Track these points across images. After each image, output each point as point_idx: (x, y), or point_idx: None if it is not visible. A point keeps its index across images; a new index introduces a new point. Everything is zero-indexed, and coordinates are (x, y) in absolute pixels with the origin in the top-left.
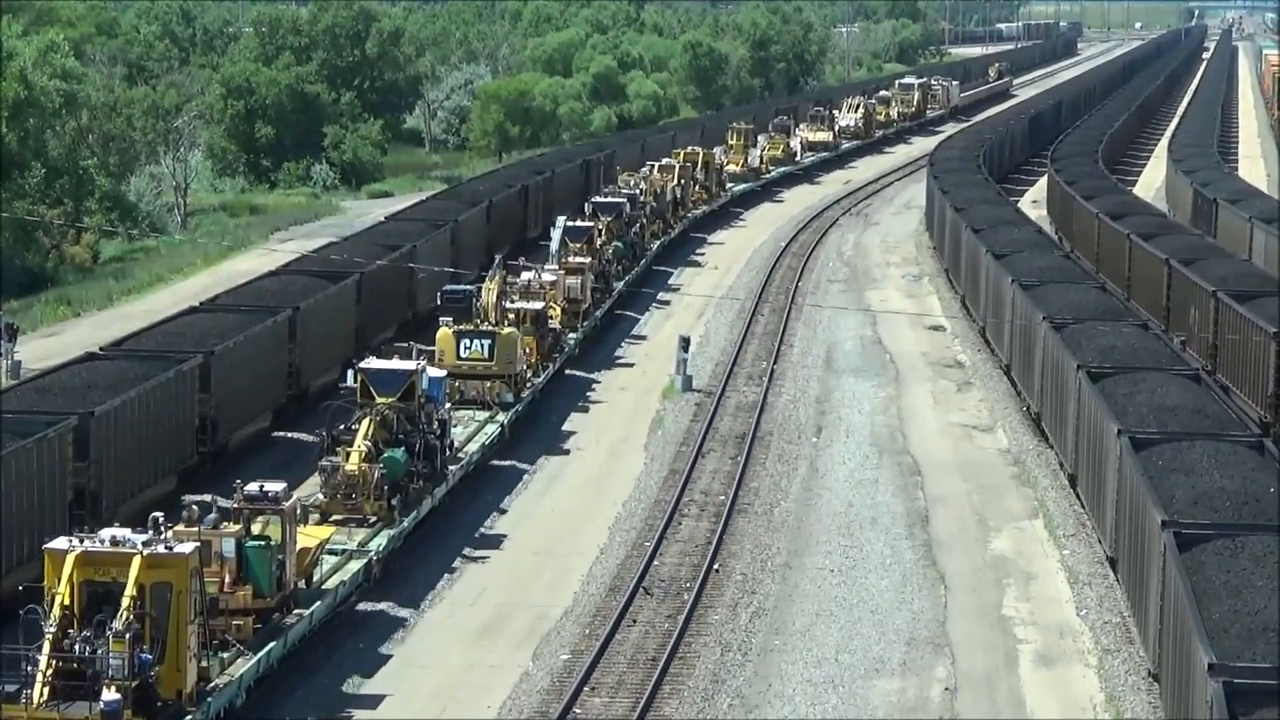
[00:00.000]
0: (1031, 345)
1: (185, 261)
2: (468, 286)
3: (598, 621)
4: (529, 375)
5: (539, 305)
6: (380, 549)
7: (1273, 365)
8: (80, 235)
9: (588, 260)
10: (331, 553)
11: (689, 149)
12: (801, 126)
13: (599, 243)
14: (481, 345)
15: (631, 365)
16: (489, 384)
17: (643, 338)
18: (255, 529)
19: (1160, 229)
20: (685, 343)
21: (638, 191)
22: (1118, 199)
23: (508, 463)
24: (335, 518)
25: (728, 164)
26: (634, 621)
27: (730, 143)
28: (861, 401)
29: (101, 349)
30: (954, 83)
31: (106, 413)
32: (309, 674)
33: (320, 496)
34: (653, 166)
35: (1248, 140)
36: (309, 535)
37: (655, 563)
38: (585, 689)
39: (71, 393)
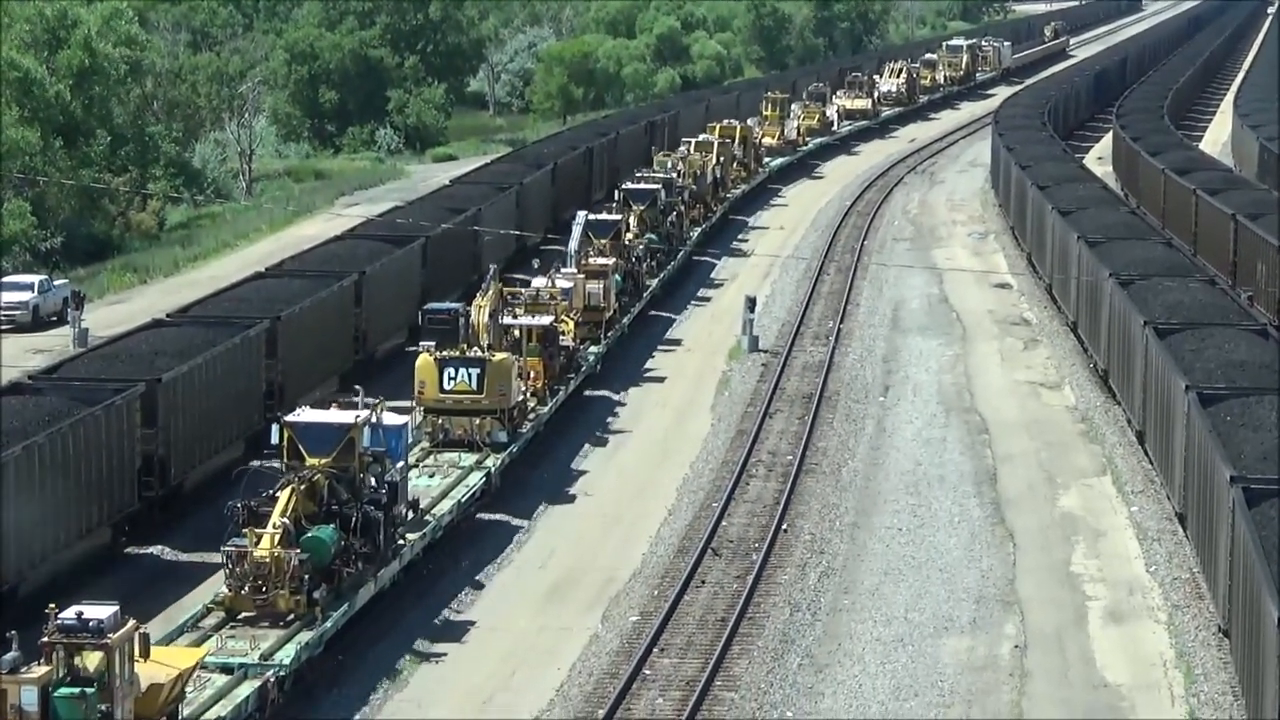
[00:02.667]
0: (1098, 302)
1: (250, 227)
2: (454, 305)
3: (666, 583)
4: (533, 404)
5: (546, 320)
6: (288, 662)
7: None
8: (146, 202)
9: (612, 261)
10: (226, 669)
11: (725, 123)
12: (839, 94)
13: (628, 237)
14: (469, 375)
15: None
16: (478, 421)
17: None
18: (92, 663)
19: (1226, 184)
20: (751, 303)
21: (674, 174)
22: (1183, 154)
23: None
24: (243, 615)
25: (762, 137)
26: (703, 582)
27: (764, 114)
28: (928, 360)
29: (168, 316)
30: (1005, 44)
31: (174, 379)
32: None
33: (224, 589)
34: (689, 145)
35: None
36: (166, 664)
37: (723, 523)
38: (655, 650)
39: (139, 360)
